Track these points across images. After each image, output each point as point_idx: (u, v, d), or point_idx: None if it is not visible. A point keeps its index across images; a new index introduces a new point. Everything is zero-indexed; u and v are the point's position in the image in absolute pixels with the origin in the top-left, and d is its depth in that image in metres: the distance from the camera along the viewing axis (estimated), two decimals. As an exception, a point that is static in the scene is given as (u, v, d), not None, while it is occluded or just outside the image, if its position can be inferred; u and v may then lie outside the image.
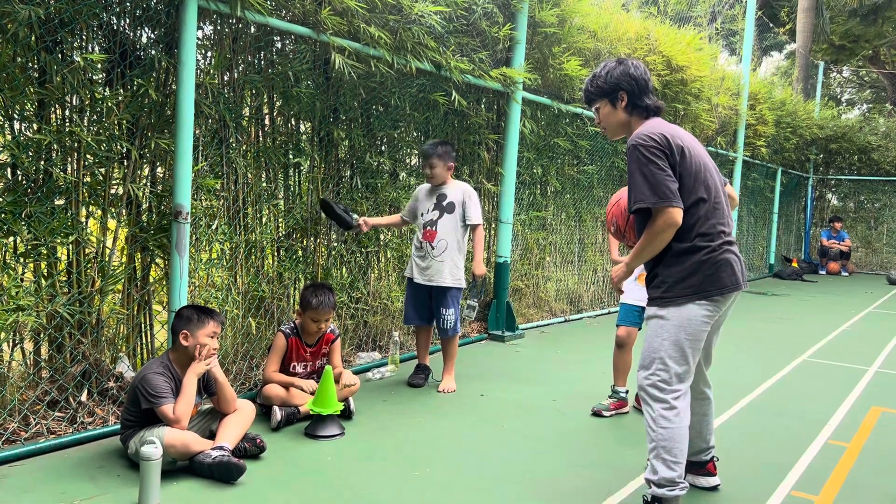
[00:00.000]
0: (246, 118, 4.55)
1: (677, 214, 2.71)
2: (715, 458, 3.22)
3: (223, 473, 3.03)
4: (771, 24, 23.11)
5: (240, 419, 3.35)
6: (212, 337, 3.26)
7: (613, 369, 4.35)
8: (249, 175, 4.51)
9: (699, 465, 3.19)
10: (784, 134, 13.12)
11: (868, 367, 5.94)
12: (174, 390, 3.18)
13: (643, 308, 4.16)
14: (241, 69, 4.45)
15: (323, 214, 4.74)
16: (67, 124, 3.64)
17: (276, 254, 4.85)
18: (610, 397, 4.32)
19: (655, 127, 2.83)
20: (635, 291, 4.20)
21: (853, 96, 28.12)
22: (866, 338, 7.41)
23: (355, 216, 4.48)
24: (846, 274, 14.81)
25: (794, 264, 13.94)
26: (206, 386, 3.35)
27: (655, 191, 2.70)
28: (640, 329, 4.28)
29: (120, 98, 3.72)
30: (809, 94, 17.31)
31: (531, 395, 4.65)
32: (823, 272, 14.90)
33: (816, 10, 17.90)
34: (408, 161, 5.98)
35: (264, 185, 4.67)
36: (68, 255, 3.66)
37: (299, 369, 4.06)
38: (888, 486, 3.40)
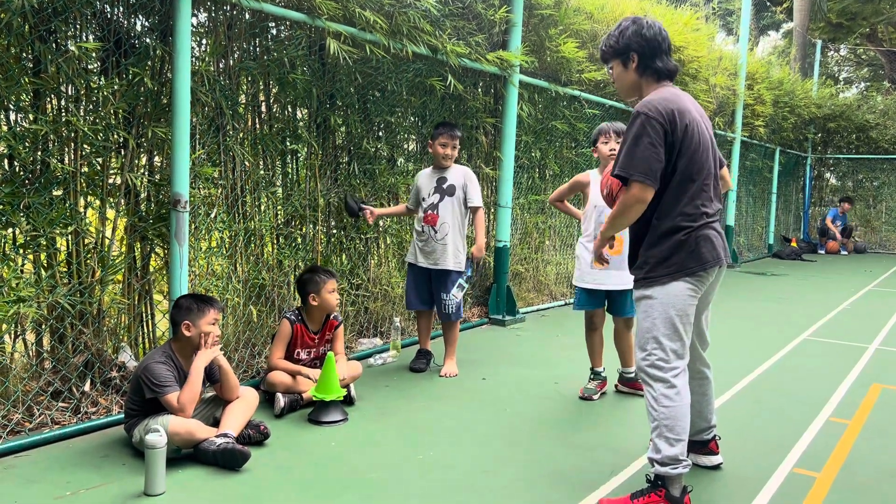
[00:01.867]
0: (242, 105, 4.53)
1: (647, 193, 2.72)
2: (717, 437, 3.24)
3: (228, 460, 3.05)
4: (768, 3, 22.99)
5: (243, 406, 3.36)
6: (213, 324, 3.27)
7: (590, 353, 4.38)
8: (247, 163, 4.50)
9: (701, 445, 3.21)
10: (782, 113, 13.07)
11: (868, 345, 5.96)
12: (178, 379, 3.19)
13: (602, 291, 4.22)
14: (236, 56, 4.43)
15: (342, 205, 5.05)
16: (63, 114, 3.62)
17: (275, 241, 4.84)
18: (592, 380, 4.36)
19: (668, 100, 2.77)
20: (594, 274, 4.20)
21: (851, 75, 27.99)
22: (866, 316, 7.43)
23: (364, 206, 4.71)
24: (845, 253, 14.82)
25: (794, 244, 13.95)
26: (210, 374, 3.35)
27: (638, 164, 2.71)
28: (604, 308, 4.34)
29: (115, 87, 3.70)
30: (807, 73, 17.24)
31: (533, 378, 4.67)
32: (822, 251, 14.91)
33: (813, -11, 17.80)
34: (405, 146, 5.96)
35: (262, 172, 4.65)
36: (68, 246, 3.66)
37: (303, 356, 4.07)
38: (889, 462, 3.42)
